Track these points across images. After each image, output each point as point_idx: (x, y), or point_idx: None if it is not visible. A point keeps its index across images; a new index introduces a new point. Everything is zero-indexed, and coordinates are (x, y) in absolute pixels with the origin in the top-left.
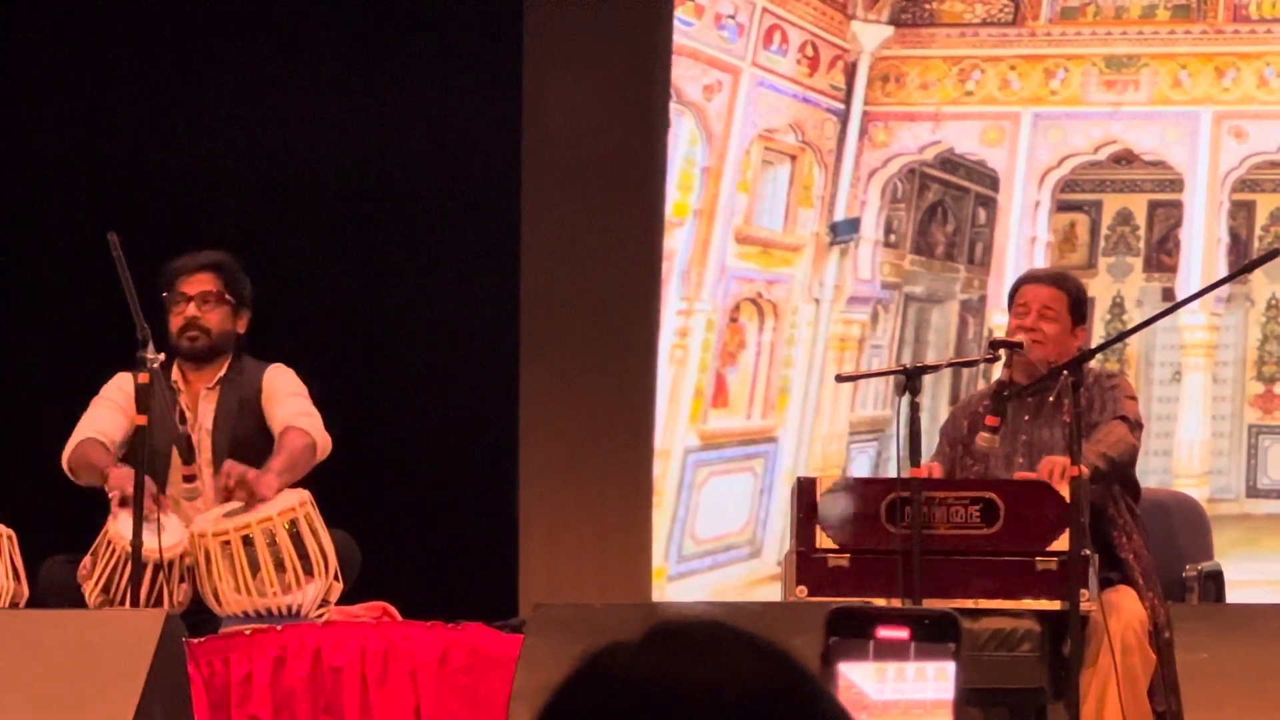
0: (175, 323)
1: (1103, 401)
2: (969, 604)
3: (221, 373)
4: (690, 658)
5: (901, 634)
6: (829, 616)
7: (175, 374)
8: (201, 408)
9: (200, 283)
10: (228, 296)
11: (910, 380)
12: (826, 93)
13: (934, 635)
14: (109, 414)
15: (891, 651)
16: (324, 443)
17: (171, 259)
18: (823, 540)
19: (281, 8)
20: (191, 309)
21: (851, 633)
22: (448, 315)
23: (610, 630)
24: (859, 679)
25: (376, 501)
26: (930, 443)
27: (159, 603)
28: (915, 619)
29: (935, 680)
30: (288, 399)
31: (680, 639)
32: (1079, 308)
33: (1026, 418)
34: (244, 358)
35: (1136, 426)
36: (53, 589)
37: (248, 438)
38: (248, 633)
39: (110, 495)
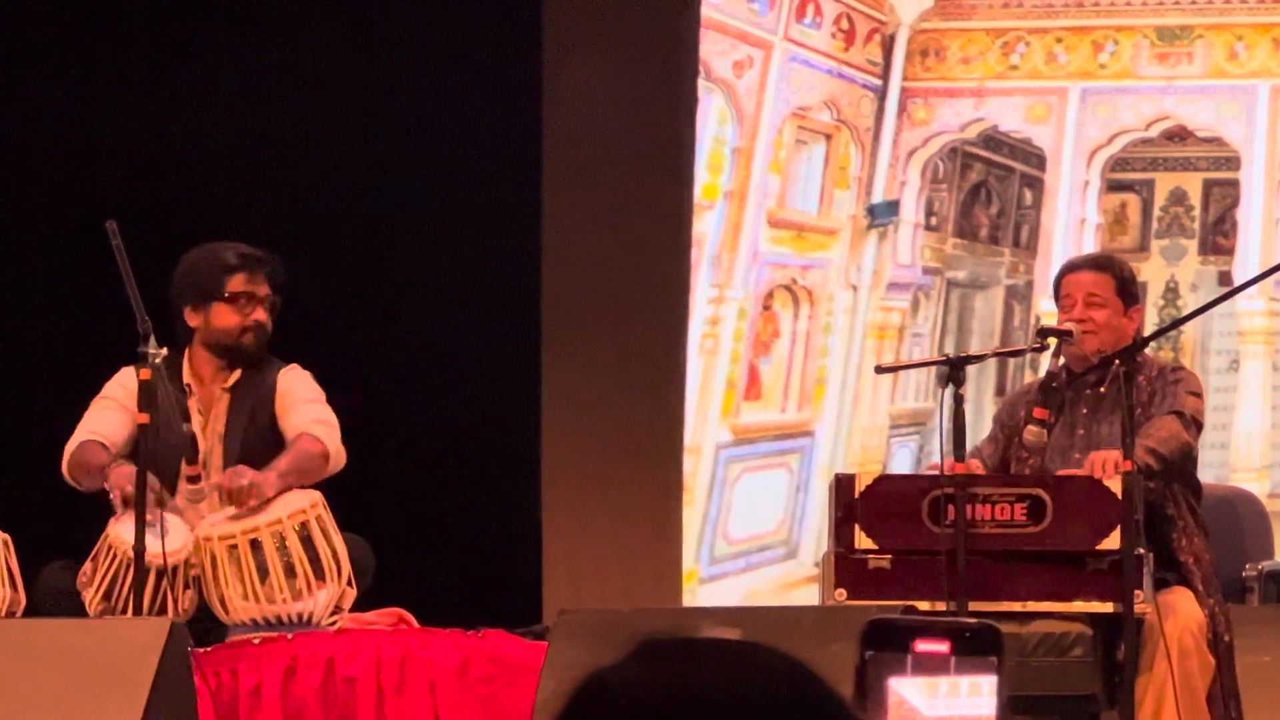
0: (229, 323)
1: (1163, 395)
2: (1016, 607)
3: (238, 374)
4: (696, 671)
5: (941, 647)
6: (865, 629)
7: (188, 373)
8: (215, 410)
9: (265, 284)
10: (276, 299)
11: (954, 371)
12: (863, 68)
13: (975, 648)
14: (110, 414)
15: (931, 665)
16: (337, 454)
17: (192, 249)
18: (862, 540)
19: None
20: (261, 314)
21: (889, 646)
22: (465, 307)
23: (637, 635)
24: (909, 694)
25: (391, 502)
26: (975, 436)
27: (163, 611)
28: (955, 632)
29: (989, 695)
30: (303, 405)
31: (682, 654)
32: (1128, 288)
33: (1084, 410)
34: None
35: (1193, 423)
36: (51, 596)
37: (260, 441)
38: (256, 642)
39: (111, 496)
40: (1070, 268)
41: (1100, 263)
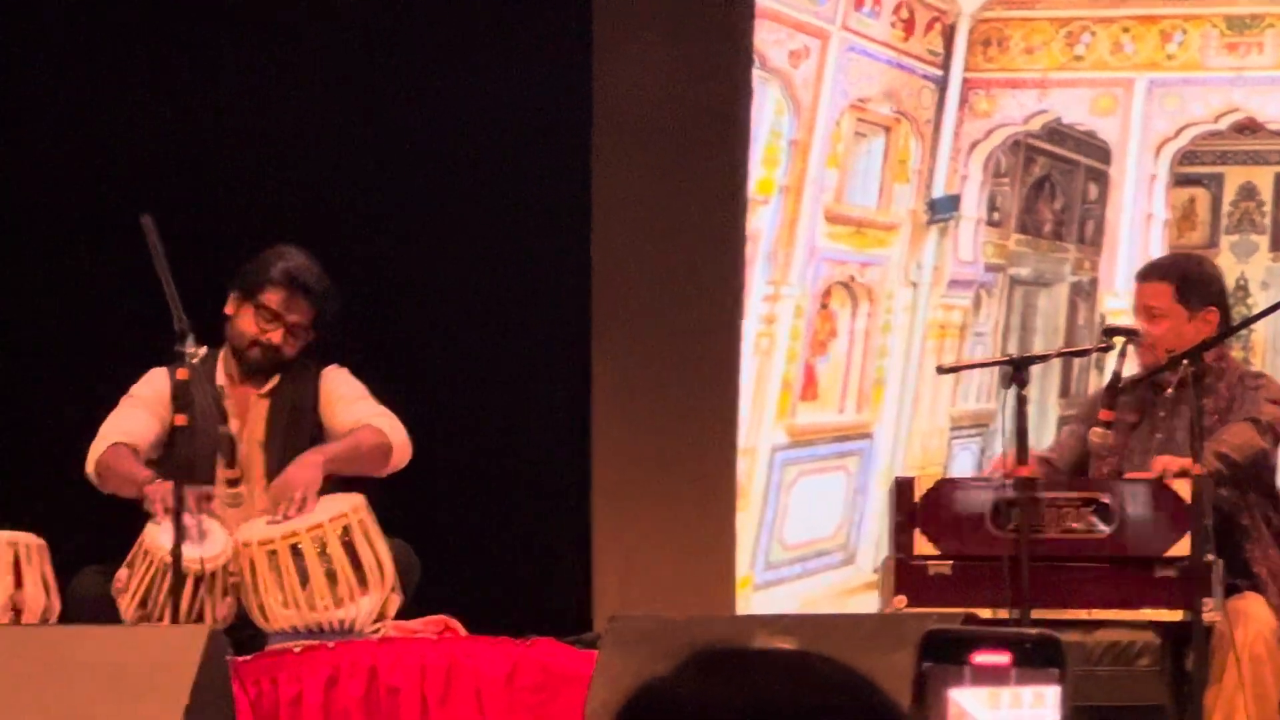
0: (248, 329)
1: (1242, 401)
2: (1082, 614)
3: (276, 381)
4: (751, 682)
5: (1002, 659)
6: (923, 640)
7: (221, 374)
8: (251, 416)
9: (301, 312)
10: (315, 330)
11: (1017, 371)
12: (923, 58)
13: (1036, 659)
14: (138, 415)
15: (991, 677)
16: (402, 446)
17: (249, 249)
18: (923, 546)
19: None
20: (278, 336)
21: (947, 658)
22: (512, 306)
23: (691, 645)
24: (971, 706)
25: (436, 505)
26: (1039, 438)
27: (201, 618)
28: (1015, 642)
29: (1052, 706)
30: (356, 403)
31: (737, 664)
32: (1191, 292)
33: (1162, 414)
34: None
35: (1269, 431)
36: (86, 603)
37: (303, 449)
38: (297, 650)
39: (151, 508)
40: (1137, 276)
41: (1158, 269)
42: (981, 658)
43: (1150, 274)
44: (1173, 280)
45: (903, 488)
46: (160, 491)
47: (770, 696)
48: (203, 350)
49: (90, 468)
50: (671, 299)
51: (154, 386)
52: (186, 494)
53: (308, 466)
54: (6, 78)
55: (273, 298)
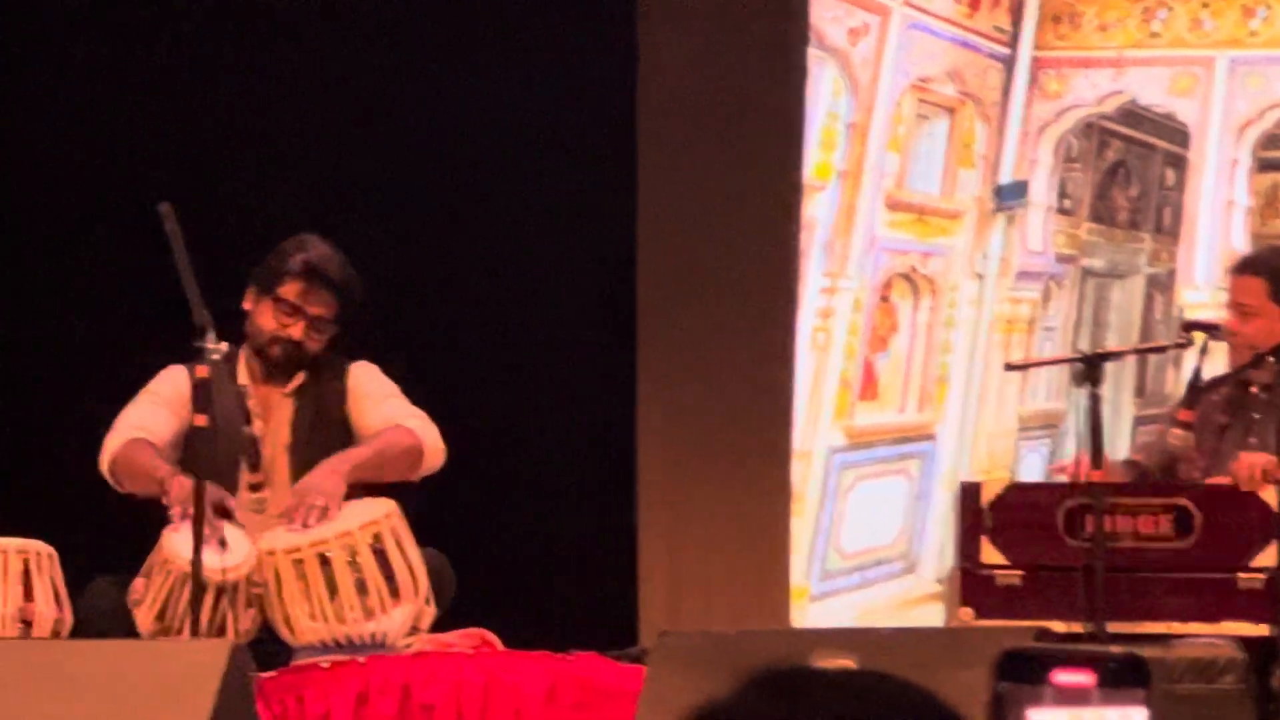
0: (267, 325)
1: None
2: (1160, 628)
3: (301, 379)
4: (810, 704)
5: (1084, 678)
6: (998, 660)
7: (244, 373)
8: (275, 417)
9: (323, 304)
10: (339, 324)
11: (1090, 368)
12: (990, 35)
13: (1121, 679)
14: (157, 411)
15: (1073, 697)
16: (435, 449)
17: (269, 238)
18: (990, 554)
19: None
20: (299, 331)
21: (1024, 678)
22: (554, 301)
23: (744, 661)
24: None
25: (471, 512)
26: (1113, 439)
27: (223, 631)
28: (1098, 661)
29: None
30: (384, 401)
31: (794, 684)
32: None
33: (1255, 415)
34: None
35: None
36: (99, 615)
37: (330, 452)
38: (325, 665)
39: (172, 512)
40: (1230, 270)
41: (1251, 263)
42: (1062, 676)
43: (1243, 269)
44: (1266, 276)
45: (969, 492)
46: (184, 491)
47: (829, 718)
48: (224, 347)
49: (104, 464)
50: (721, 292)
51: (173, 384)
52: (207, 499)
53: (331, 474)
54: (13, 76)
55: (291, 290)
